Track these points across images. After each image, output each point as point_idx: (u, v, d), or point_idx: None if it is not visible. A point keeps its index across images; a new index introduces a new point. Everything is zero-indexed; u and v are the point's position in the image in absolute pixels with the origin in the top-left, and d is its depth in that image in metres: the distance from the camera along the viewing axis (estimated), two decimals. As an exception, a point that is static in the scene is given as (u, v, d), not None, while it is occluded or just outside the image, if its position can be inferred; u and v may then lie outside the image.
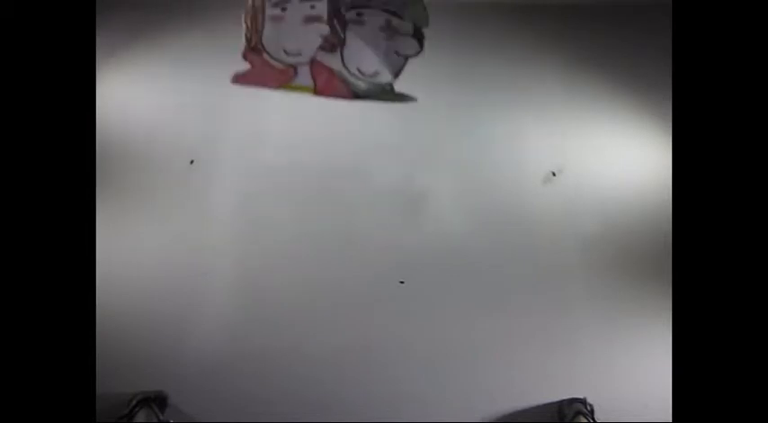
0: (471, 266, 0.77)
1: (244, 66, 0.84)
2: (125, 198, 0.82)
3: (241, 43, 0.79)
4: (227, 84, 0.91)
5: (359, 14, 0.81)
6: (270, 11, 0.80)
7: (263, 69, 0.78)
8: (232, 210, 0.81)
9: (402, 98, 0.79)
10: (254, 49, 0.79)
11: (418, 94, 0.90)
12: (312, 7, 0.80)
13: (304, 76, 0.79)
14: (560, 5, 0.99)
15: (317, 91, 0.78)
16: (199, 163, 0.85)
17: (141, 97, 0.91)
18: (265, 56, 0.79)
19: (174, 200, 0.82)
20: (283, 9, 0.80)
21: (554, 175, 0.85)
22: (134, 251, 0.77)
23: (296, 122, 0.88)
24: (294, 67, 0.79)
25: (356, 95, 0.79)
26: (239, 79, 0.78)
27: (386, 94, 0.80)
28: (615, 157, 0.87)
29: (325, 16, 0.80)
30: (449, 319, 0.74)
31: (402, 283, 0.76)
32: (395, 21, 0.82)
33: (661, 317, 0.72)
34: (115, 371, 0.66)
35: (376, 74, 0.80)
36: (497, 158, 0.86)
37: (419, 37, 0.82)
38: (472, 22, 0.98)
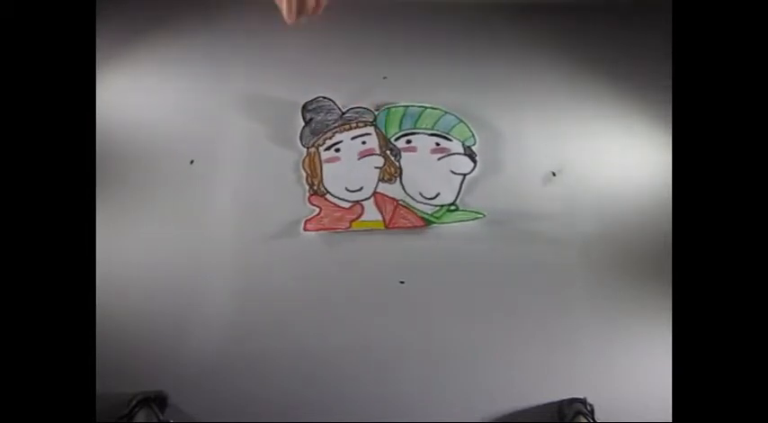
0: (471, 266, 0.77)
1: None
2: (125, 198, 0.82)
3: (305, 189, 0.81)
4: (228, 84, 0.91)
5: (408, 141, 0.84)
6: (324, 154, 0.83)
7: (330, 211, 0.80)
8: (232, 209, 0.81)
9: (470, 215, 0.81)
10: (317, 193, 0.81)
11: (418, 94, 0.90)
12: (363, 143, 0.84)
13: (371, 211, 0.81)
14: (561, 5, 0.99)
15: (386, 224, 0.80)
16: (199, 163, 0.85)
17: (141, 97, 0.91)
18: (330, 197, 0.81)
19: (174, 200, 0.82)
20: (337, 150, 0.84)
21: (554, 175, 0.85)
22: (134, 251, 0.77)
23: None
24: (360, 204, 0.80)
25: (427, 221, 0.80)
26: (309, 226, 0.79)
27: (452, 214, 0.81)
28: (615, 157, 0.87)
29: (377, 148, 0.83)
30: (449, 319, 0.74)
31: (402, 283, 0.76)
32: (443, 142, 0.84)
33: (661, 317, 0.72)
34: (115, 371, 0.66)
35: (437, 195, 0.81)
36: (497, 158, 0.86)
37: (470, 154, 0.85)
38: (472, 21, 0.98)
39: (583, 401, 0.66)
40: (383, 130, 0.86)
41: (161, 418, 0.63)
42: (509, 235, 0.79)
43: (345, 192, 0.82)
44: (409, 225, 0.80)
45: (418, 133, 0.86)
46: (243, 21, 0.97)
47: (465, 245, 0.78)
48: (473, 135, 0.86)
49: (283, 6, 0.84)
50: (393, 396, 0.69)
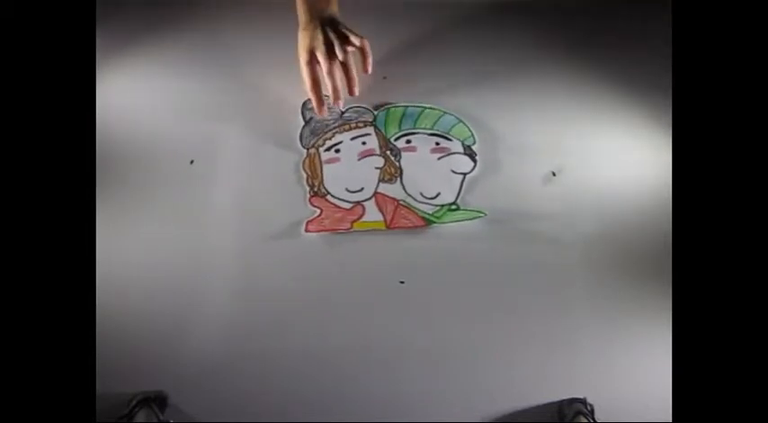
0: (471, 266, 0.77)
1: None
2: (125, 198, 0.82)
3: (305, 190, 0.81)
4: (228, 83, 0.92)
5: (408, 141, 0.83)
6: (325, 155, 0.83)
7: (331, 213, 0.80)
8: (233, 210, 0.81)
9: (470, 215, 0.80)
10: (318, 194, 0.80)
11: (417, 94, 0.90)
12: (363, 143, 0.84)
13: (372, 212, 0.80)
14: (562, 5, 0.99)
15: (388, 224, 0.79)
16: (199, 163, 0.85)
17: (141, 97, 0.91)
18: (330, 198, 0.81)
19: (174, 200, 0.82)
20: (337, 151, 0.83)
21: (554, 175, 0.85)
22: (134, 251, 0.77)
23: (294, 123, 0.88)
24: (361, 205, 0.80)
25: (428, 221, 0.79)
26: (310, 227, 0.78)
27: (453, 214, 0.80)
28: (615, 156, 0.87)
29: (377, 149, 0.82)
30: (449, 319, 0.74)
31: (402, 283, 0.76)
32: (443, 142, 0.84)
33: (661, 317, 0.72)
34: (115, 371, 0.66)
35: (438, 195, 0.81)
36: (497, 158, 0.86)
37: (470, 154, 0.84)
38: (472, 21, 0.98)
39: (583, 401, 0.66)
40: (383, 130, 0.86)
41: (161, 418, 0.63)
42: (509, 235, 0.79)
43: (346, 192, 0.82)
44: (410, 225, 0.80)
45: (418, 133, 0.86)
46: (243, 21, 0.97)
47: (465, 245, 0.78)
48: (472, 134, 0.86)
49: (314, 100, 0.85)
50: (393, 396, 0.69)
